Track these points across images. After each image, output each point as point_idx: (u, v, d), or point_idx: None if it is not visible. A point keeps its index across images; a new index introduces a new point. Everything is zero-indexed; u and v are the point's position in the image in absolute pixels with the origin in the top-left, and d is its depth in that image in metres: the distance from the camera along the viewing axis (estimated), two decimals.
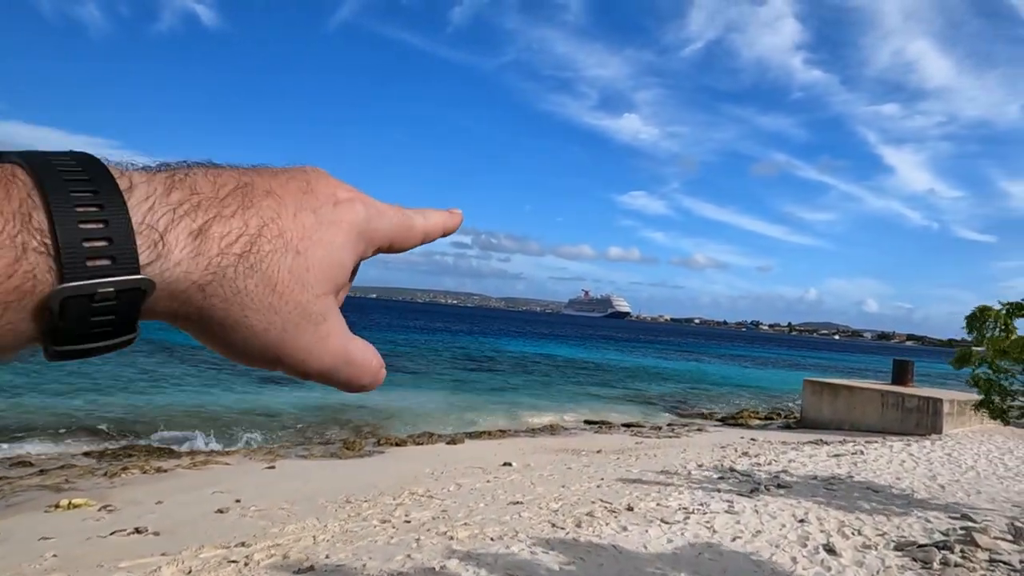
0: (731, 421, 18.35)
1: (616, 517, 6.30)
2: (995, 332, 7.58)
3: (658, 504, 6.85)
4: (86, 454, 9.92)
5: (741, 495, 7.42)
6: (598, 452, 11.43)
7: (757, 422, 18.13)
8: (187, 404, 14.62)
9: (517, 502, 6.95)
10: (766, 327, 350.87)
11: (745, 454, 10.93)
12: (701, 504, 6.86)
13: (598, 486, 7.95)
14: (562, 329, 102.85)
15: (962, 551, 5.59)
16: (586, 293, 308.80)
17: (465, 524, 5.95)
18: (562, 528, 5.85)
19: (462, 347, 43.00)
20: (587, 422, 17.27)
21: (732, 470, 9.07)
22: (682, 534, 5.79)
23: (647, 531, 5.83)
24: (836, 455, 10.77)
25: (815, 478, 8.61)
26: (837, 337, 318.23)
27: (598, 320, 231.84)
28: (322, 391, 18.96)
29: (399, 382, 22.72)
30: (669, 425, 16.79)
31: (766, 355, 70.67)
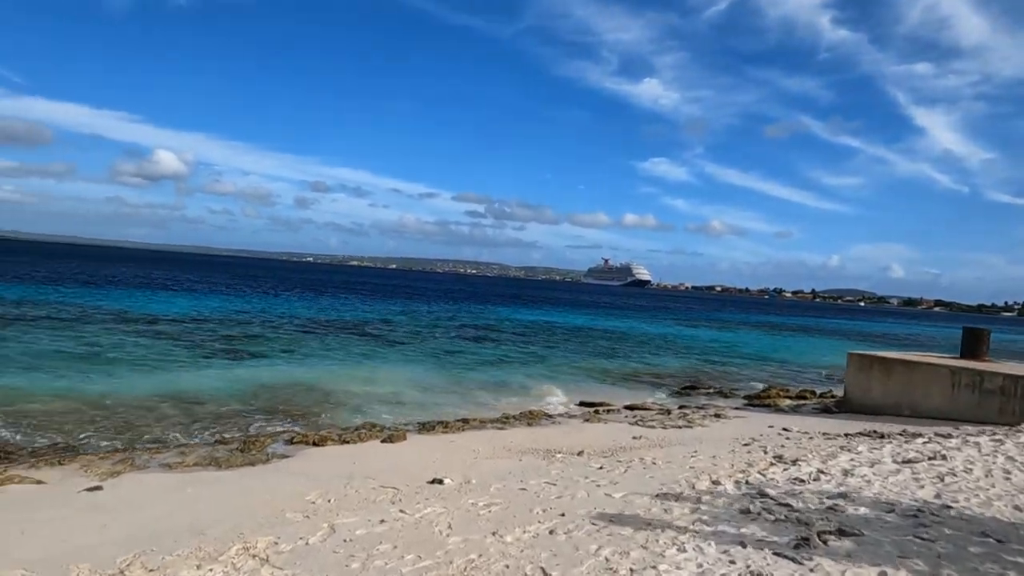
0: (756, 401, 15.32)
1: None
2: None
3: None
4: None
5: (781, 555, 4.46)
6: (579, 454, 8.51)
7: (788, 403, 15.07)
8: (81, 390, 11.93)
9: None
10: (789, 294, 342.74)
11: (778, 458, 7.95)
12: None
13: (551, 532, 5.03)
14: (579, 297, 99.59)
15: None
16: (606, 261, 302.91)
17: None
18: None
19: (464, 316, 40.18)
20: (582, 404, 14.36)
21: (763, 494, 6.09)
22: None
23: None
24: (907, 460, 7.74)
25: (893, 510, 5.60)
26: (862, 303, 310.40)
27: (618, 288, 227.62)
28: (281, 367, 16.29)
29: (376, 355, 20.01)
30: (681, 408, 13.81)
31: (791, 322, 67.06)
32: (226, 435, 9.54)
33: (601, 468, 7.54)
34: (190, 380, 13.57)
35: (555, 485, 6.63)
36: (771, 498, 5.96)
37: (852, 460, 7.76)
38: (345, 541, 4.84)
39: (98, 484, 6.61)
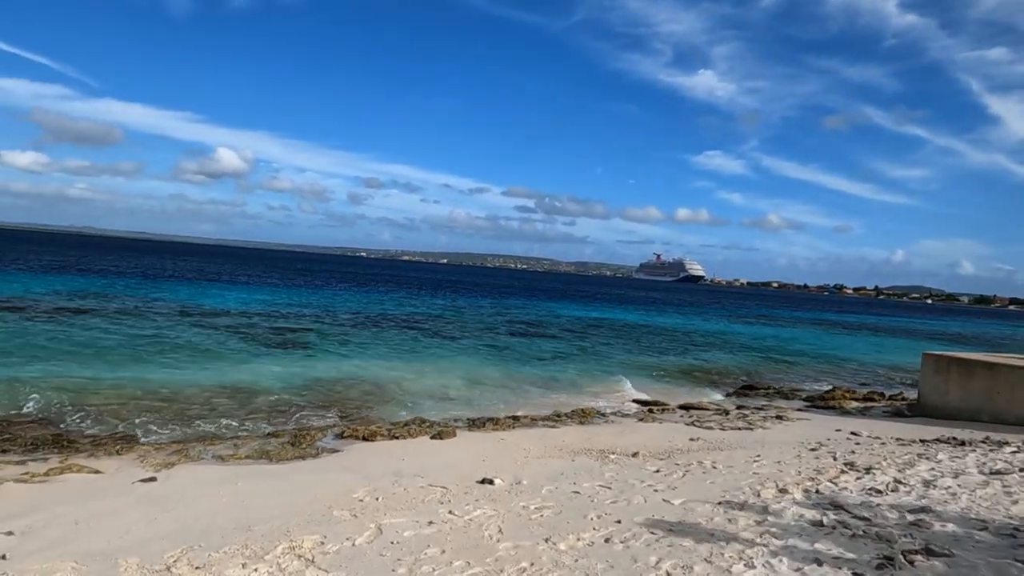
0: (820, 403, 14.59)
1: None
2: None
3: None
4: None
5: None
6: (633, 456, 8.18)
7: (854, 405, 14.30)
8: (143, 380, 12.23)
9: None
10: (850, 290, 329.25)
11: (850, 465, 7.44)
12: None
13: (607, 540, 4.75)
14: (631, 293, 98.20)
15: None
16: (658, 256, 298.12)
17: None
18: None
19: (514, 311, 40.01)
20: (635, 402, 13.98)
21: (836, 505, 5.66)
22: None
23: None
24: (996, 472, 7.12)
25: (985, 527, 5.10)
26: (929, 301, 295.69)
27: (671, 284, 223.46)
28: (333, 360, 16.44)
29: (426, 349, 20.01)
30: (739, 409, 13.26)
31: (852, 319, 64.49)
32: (278, 427, 9.59)
33: (658, 471, 7.20)
34: (245, 372, 13.78)
35: (610, 488, 6.34)
36: (845, 510, 5.52)
37: (932, 470, 7.19)
38: (392, 543, 4.68)
39: (152, 475, 6.66)
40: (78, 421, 9.30)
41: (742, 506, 5.64)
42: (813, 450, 8.59)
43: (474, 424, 10.33)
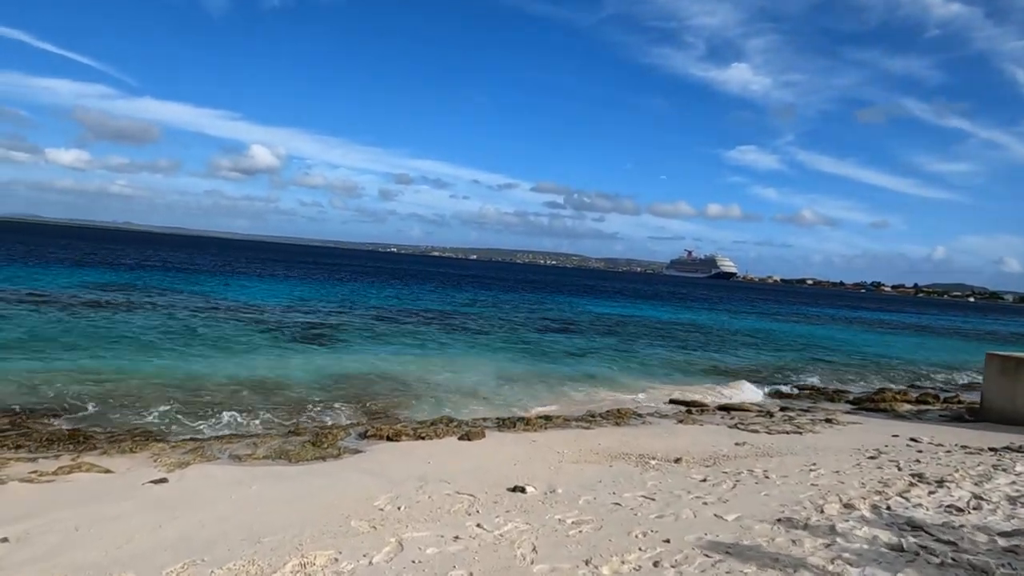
0: (869, 405, 13.75)
1: None
2: None
3: None
4: None
5: None
6: (676, 462, 7.58)
7: (907, 407, 13.44)
8: (166, 373, 11.99)
9: None
10: (888, 288, 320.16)
11: (918, 477, 6.75)
12: None
13: (655, 564, 4.19)
14: (662, 289, 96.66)
15: None
16: (689, 253, 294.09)
17: None
18: None
19: (543, 307, 39.41)
20: (672, 402, 13.32)
21: (913, 526, 5.00)
22: None
23: None
24: None
25: None
26: (972, 299, 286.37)
27: (702, 281, 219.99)
28: (359, 356, 16.09)
29: (454, 345, 19.57)
30: (783, 410, 12.52)
31: (892, 318, 62.40)
32: (300, 425, 9.20)
33: (704, 480, 6.59)
34: (270, 366, 13.48)
35: (654, 500, 5.76)
36: (925, 531, 4.87)
37: (1014, 484, 6.47)
38: (413, 562, 4.18)
39: (164, 476, 6.28)
40: (97, 415, 9.03)
41: (805, 525, 5.03)
42: (872, 458, 7.89)
43: (504, 424, 9.82)
